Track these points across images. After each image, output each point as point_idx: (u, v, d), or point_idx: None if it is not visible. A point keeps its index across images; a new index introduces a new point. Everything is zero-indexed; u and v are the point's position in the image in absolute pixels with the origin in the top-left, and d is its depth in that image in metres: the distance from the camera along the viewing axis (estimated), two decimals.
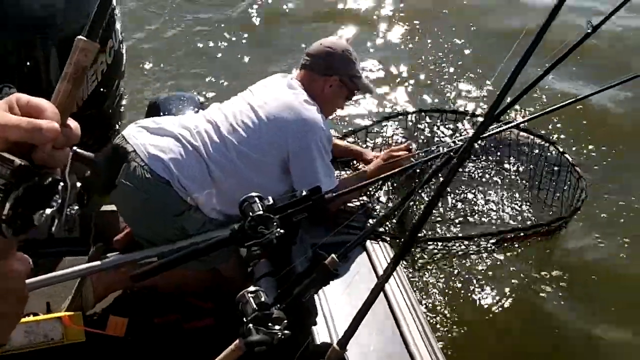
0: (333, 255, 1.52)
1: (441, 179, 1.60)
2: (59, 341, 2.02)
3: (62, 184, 0.69)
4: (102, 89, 2.58)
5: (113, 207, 2.40)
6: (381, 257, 2.15)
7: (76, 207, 1.92)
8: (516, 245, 2.57)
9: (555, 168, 2.72)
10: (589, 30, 1.90)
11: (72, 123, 0.70)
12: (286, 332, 1.43)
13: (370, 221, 2.31)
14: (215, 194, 2.14)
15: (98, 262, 2.11)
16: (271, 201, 1.57)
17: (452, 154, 1.76)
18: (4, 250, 0.65)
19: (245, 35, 5.42)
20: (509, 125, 2.56)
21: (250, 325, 1.42)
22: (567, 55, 1.85)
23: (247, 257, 2.16)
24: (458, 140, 2.46)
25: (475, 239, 2.34)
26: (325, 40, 2.47)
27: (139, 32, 5.31)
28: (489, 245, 2.36)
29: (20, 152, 0.65)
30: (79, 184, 0.74)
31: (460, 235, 2.42)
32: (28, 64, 2.44)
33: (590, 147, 4.09)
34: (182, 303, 2.37)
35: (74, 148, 0.73)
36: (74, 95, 0.72)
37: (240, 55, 5.18)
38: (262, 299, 1.47)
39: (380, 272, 1.97)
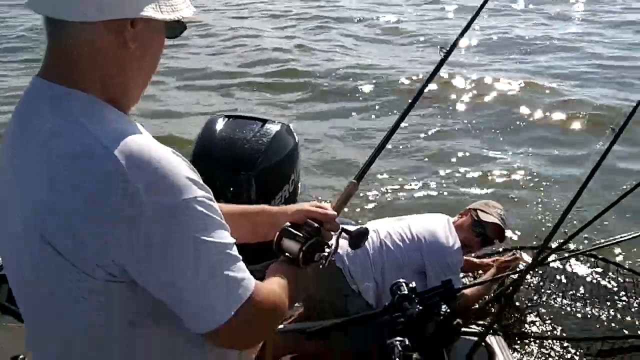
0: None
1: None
2: None
3: (331, 243, 1.43)
4: None
5: None
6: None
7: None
8: None
9: None
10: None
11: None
12: None
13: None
14: (372, 287, 2.82)
15: None
16: (414, 285, 2.20)
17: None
18: (307, 273, 1.37)
19: None
20: None
21: None
22: None
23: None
24: None
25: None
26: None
27: None
28: None
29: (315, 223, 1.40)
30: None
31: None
32: (232, 189, 3.38)
33: None
34: None
35: (342, 226, 1.48)
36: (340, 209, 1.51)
37: None
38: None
39: None
